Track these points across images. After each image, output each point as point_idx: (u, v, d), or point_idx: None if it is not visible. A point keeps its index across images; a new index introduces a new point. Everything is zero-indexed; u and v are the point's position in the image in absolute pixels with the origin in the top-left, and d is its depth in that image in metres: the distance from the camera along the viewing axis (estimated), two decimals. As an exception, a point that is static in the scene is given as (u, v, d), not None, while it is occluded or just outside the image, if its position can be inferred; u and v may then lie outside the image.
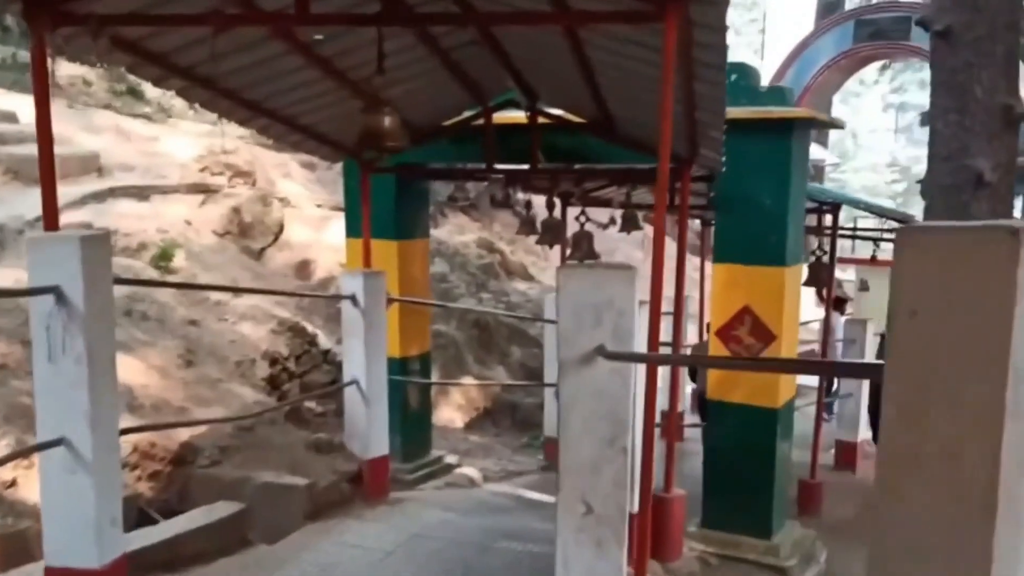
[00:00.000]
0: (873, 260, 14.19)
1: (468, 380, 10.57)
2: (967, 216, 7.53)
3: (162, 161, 11.53)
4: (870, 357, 12.11)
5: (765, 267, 6.86)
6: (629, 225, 7.54)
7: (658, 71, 4.10)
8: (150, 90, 14.01)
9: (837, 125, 7.82)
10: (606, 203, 9.30)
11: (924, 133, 8.63)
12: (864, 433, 11.73)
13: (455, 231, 13.24)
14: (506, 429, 10.54)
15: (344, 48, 5.54)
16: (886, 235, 13.73)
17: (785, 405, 7.10)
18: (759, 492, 6.91)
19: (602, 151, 7.17)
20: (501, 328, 11.22)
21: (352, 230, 8.04)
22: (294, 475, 6.40)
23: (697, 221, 13.35)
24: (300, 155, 14.39)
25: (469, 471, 8.51)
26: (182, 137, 12.57)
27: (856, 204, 11.06)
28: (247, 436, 6.74)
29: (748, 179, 6.75)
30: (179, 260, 9.37)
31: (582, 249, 7.58)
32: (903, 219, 12.40)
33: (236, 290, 9.36)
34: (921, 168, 8.66)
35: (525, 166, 7.03)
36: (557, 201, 8.66)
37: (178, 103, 14.22)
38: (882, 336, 14.46)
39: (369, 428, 6.91)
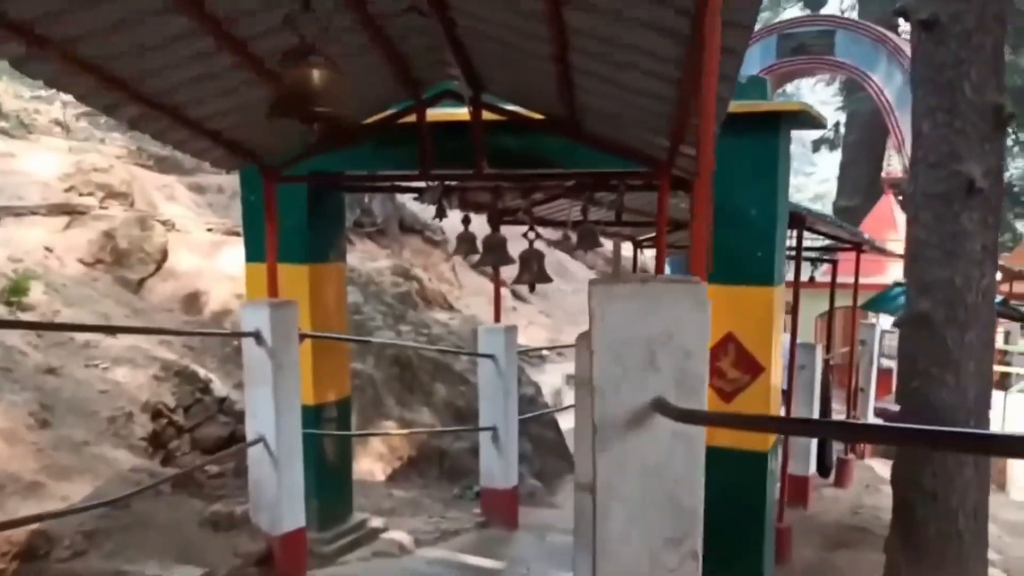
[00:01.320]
0: (811, 281, 13.42)
1: (394, 428, 9.27)
2: (958, 227, 6.72)
3: (19, 180, 9.92)
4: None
5: (750, 287, 5.94)
6: (587, 242, 6.37)
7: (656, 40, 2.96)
8: (8, 102, 12.35)
9: (822, 123, 6.88)
10: (557, 222, 8.14)
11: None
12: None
13: (366, 258, 11.95)
14: (434, 480, 9.26)
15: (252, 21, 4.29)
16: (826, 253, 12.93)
17: (773, 446, 6.27)
18: (750, 543, 6.00)
19: (557, 155, 6.05)
20: (424, 364, 9.94)
21: (253, 253, 6.74)
22: (185, 563, 5.05)
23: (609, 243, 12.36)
24: (186, 176, 12.96)
25: (398, 535, 7.22)
26: (45, 154, 10.96)
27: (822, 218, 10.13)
28: (122, 515, 5.34)
29: (729, 185, 5.72)
30: (35, 294, 7.82)
31: (532, 271, 6.38)
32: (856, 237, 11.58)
33: (108, 329, 7.89)
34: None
35: (468, 171, 5.82)
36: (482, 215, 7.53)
37: (41, 118, 12.60)
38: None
39: (280, 496, 5.60)
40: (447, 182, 6.30)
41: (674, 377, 2.36)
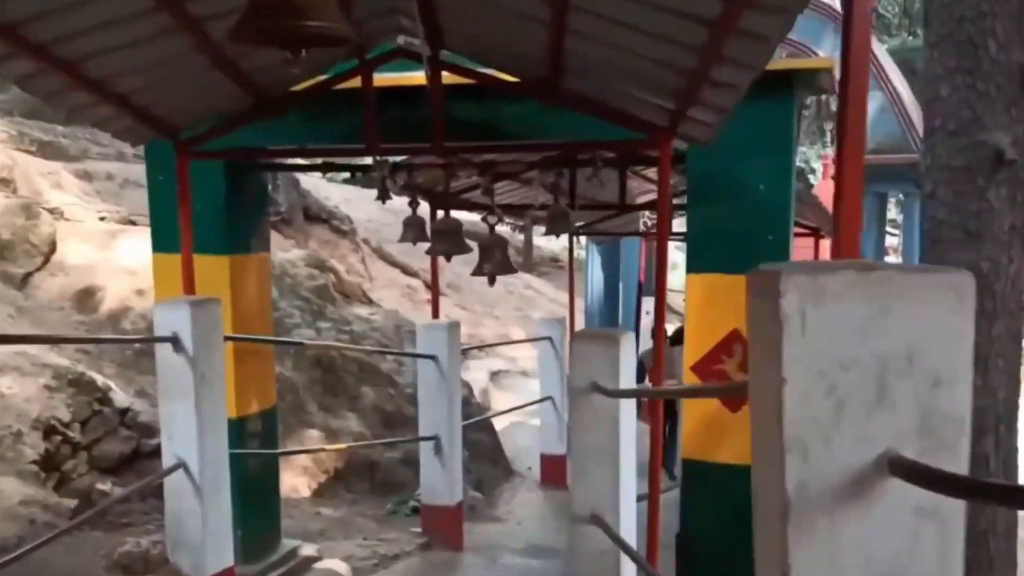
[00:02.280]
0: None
1: (318, 437, 8.37)
2: (983, 205, 6.09)
3: None
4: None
5: None
6: (558, 225, 5.65)
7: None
8: None
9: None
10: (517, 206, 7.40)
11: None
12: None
13: (275, 248, 11.01)
14: (364, 494, 8.42)
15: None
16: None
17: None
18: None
19: (523, 126, 5.30)
20: (348, 366, 9.08)
21: (162, 242, 5.84)
22: (92, 623, 4.15)
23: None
24: (72, 163, 11.80)
25: (333, 564, 6.38)
26: (-89, 134, 9.72)
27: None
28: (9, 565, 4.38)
29: (733, 158, 5.05)
30: (-101, 293, 6.71)
31: (494, 259, 5.61)
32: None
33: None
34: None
35: (423, 145, 5.03)
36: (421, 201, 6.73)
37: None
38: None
39: (205, 533, 4.74)
40: (395, 159, 5.49)
41: (918, 419, 1.57)
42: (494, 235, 5.64)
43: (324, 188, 19.94)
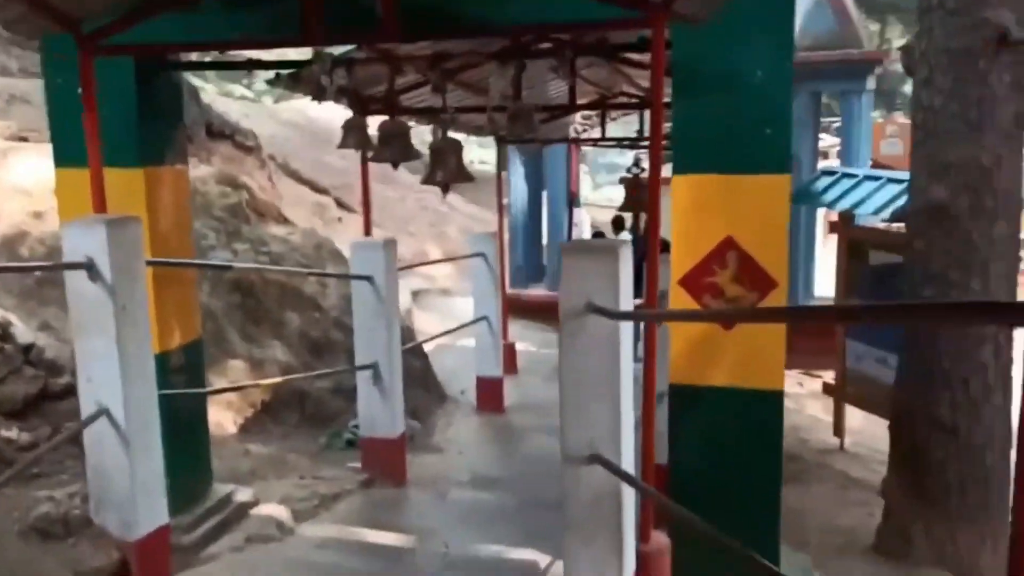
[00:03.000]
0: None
1: (242, 368, 7.68)
2: (985, 91, 5.58)
3: None
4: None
5: (757, 175, 4.59)
6: (522, 125, 5.03)
7: None
8: None
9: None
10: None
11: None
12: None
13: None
14: (294, 428, 7.81)
15: None
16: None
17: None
18: (759, 521, 4.65)
19: (486, 9, 4.63)
20: (269, 290, 8.37)
21: (65, 155, 5.11)
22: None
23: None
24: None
25: (271, 509, 5.81)
26: None
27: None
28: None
29: (725, 39, 4.47)
30: None
31: (447, 166, 4.99)
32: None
33: None
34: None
35: (370, 32, 4.35)
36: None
37: None
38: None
39: (134, 488, 4.12)
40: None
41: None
42: (447, 138, 5.03)
43: (223, 103, 18.88)
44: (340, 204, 16.92)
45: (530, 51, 4.97)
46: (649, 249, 4.21)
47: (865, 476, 8.08)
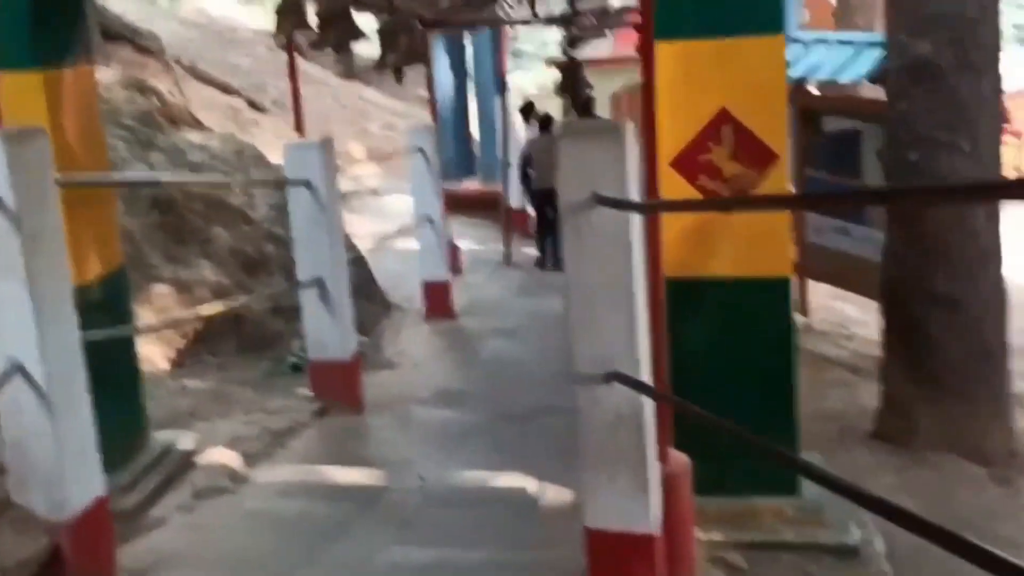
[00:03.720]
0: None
1: (167, 293, 6.92)
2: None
3: None
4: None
5: (748, 37, 4.10)
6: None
7: None
8: None
9: None
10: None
11: None
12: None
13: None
14: (232, 357, 7.13)
15: None
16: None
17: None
18: (777, 420, 4.26)
19: None
20: (192, 204, 7.56)
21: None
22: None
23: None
24: None
25: (220, 456, 5.18)
26: None
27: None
28: None
29: None
30: None
31: (398, 48, 4.28)
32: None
33: None
34: None
35: None
36: None
37: None
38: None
39: (63, 456, 3.46)
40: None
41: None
42: (397, 16, 4.30)
43: (118, 4, 17.55)
44: (253, 105, 15.94)
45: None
46: (644, 130, 3.63)
47: (838, 354, 7.83)
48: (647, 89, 3.60)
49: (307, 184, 5.93)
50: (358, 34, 4.53)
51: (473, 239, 13.15)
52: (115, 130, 7.43)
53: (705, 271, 4.28)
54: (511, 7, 11.67)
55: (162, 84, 11.70)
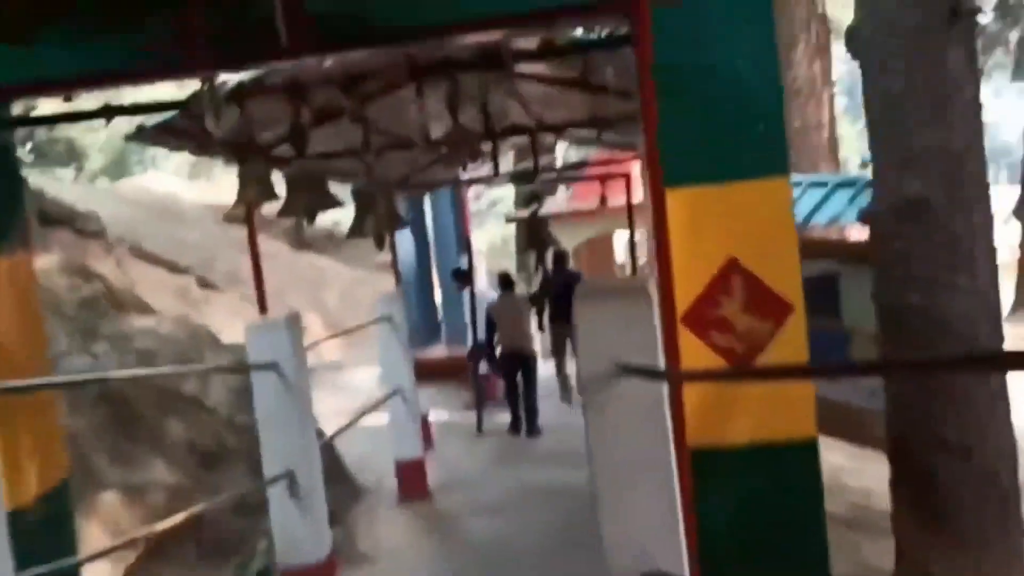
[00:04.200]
0: (602, 205, 11.69)
1: (116, 501, 6.34)
2: (945, 71, 5.12)
3: None
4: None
5: (754, 181, 3.90)
6: (461, 154, 4.05)
7: None
8: None
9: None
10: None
11: None
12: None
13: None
14: (192, 564, 6.53)
15: None
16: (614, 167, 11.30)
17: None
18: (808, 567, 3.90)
19: (402, 15, 3.75)
20: (143, 395, 7.10)
21: None
22: None
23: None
24: None
25: None
26: None
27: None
28: None
29: (702, 27, 3.82)
30: None
31: (377, 214, 3.97)
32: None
33: None
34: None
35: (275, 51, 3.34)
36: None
37: None
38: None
39: None
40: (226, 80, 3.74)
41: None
42: (373, 180, 4.01)
43: (55, 187, 17.42)
44: (203, 283, 15.59)
45: (463, 62, 4.02)
46: (663, 291, 3.31)
47: (834, 510, 7.40)
48: (661, 243, 3.31)
49: (274, 367, 5.54)
50: (332, 201, 4.22)
51: (442, 407, 12.75)
52: (56, 320, 7.03)
53: (726, 439, 3.91)
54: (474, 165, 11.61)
55: (105, 267, 11.42)
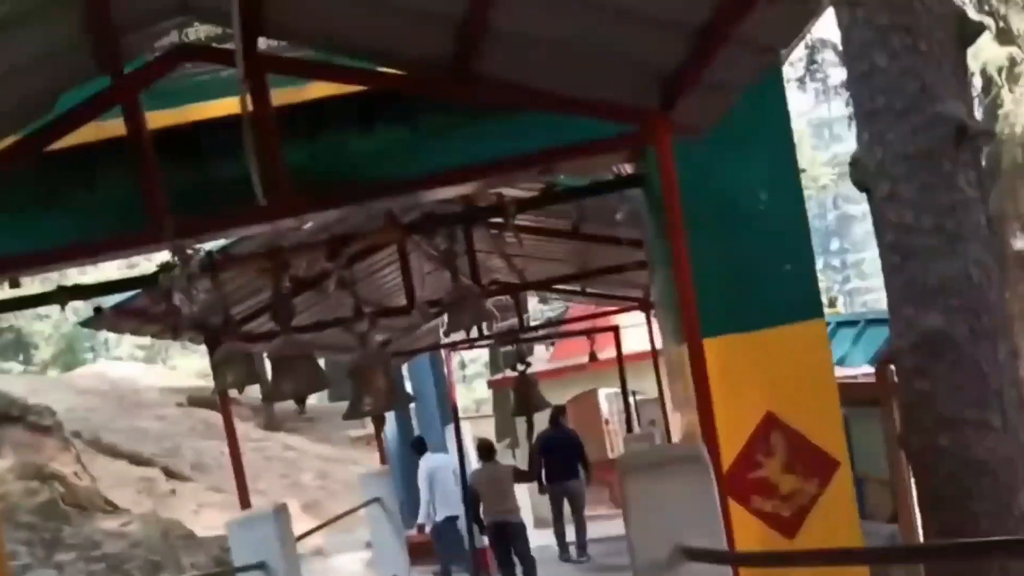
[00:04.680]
0: (592, 360, 11.39)
1: None
2: (956, 196, 5.00)
3: None
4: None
5: (787, 326, 3.75)
6: (466, 317, 3.81)
7: None
8: None
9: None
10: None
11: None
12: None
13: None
14: None
15: None
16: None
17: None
18: None
19: (384, 165, 3.57)
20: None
21: None
22: None
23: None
24: None
25: None
26: None
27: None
28: None
29: (720, 160, 3.71)
30: None
31: (377, 389, 3.69)
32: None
33: None
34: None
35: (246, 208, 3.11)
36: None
37: None
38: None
39: None
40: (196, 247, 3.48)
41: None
42: (368, 347, 3.75)
43: (2, 380, 16.99)
44: (169, 474, 15.04)
45: (463, 213, 3.82)
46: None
47: None
48: (704, 400, 3.06)
49: (262, 567, 5.11)
50: (323, 381, 3.93)
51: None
52: (14, 532, 6.58)
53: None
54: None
55: (64, 466, 10.94)
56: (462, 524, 11.81)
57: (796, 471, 3.67)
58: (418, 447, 11.90)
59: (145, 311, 4.91)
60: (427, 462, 10.90)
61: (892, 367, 5.64)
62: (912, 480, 5.26)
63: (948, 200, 4.97)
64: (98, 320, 4.51)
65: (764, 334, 3.72)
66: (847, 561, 3.61)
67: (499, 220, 4.28)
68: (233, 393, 4.84)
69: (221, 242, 4.32)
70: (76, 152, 3.42)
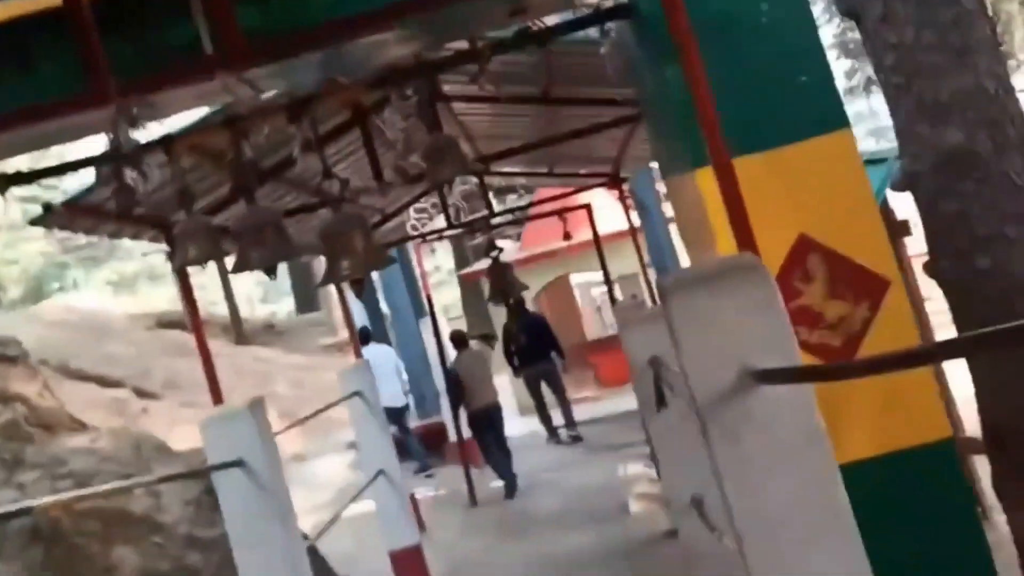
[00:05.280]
0: (566, 239, 10.85)
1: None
2: (957, 8, 4.52)
3: None
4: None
5: (812, 139, 3.37)
6: (449, 165, 3.28)
7: None
8: None
9: None
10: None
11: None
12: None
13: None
14: None
15: None
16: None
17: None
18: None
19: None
20: (84, 524, 6.10)
21: None
22: None
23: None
24: None
25: None
26: None
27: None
28: None
29: None
30: None
31: (354, 252, 3.17)
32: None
33: None
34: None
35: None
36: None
37: None
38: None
39: None
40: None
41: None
42: (342, 214, 3.20)
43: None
44: (141, 393, 14.55)
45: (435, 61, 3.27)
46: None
47: None
48: (739, 221, 2.56)
49: (240, 464, 4.61)
50: (293, 249, 3.41)
51: (425, 483, 11.90)
52: (-29, 454, 6.02)
53: (846, 456, 3.15)
54: (423, 220, 10.75)
55: (28, 389, 10.35)
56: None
57: (842, 295, 3.24)
58: (362, 338, 11.61)
59: (100, 208, 4.40)
60: (365, 352, 10.44)
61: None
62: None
63: (948, 14, 4.50)
64: (50, 218, 3.96)
65: (786, 150, 3.32)
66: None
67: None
68: (204, 315, 4.33)
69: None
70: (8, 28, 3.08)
